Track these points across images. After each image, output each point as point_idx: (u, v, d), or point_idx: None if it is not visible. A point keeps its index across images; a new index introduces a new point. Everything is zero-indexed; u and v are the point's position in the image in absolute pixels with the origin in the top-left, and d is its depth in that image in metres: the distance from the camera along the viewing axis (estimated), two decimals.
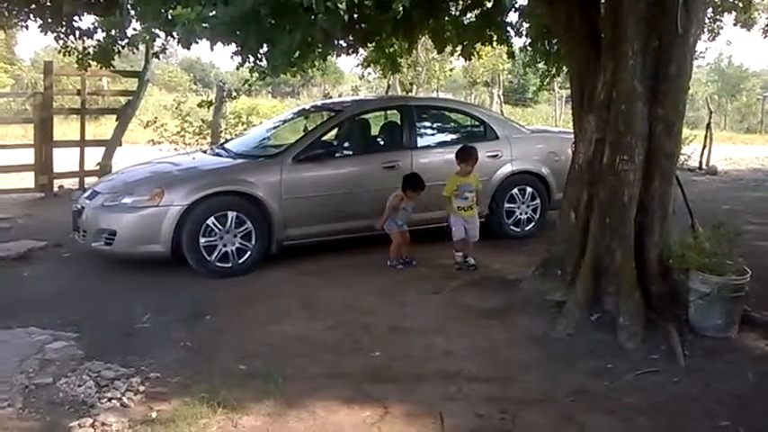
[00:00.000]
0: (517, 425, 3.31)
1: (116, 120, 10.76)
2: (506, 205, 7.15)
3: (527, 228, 7.26)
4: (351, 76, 38.68)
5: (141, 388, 3.68)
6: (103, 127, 14.78)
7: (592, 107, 4.94)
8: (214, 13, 4.50)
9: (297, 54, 5.08)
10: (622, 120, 4.58)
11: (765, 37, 12.54)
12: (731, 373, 3.90)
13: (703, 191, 10.70)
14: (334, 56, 8.39)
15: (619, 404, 3.53)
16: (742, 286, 4.35)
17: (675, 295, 4.58)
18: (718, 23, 11.83)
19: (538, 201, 7.30)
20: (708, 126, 14.09)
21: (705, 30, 11.32)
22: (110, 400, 3.52)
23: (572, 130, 5.56)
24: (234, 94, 10.81)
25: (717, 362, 4.04)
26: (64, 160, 10.11)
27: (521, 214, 7.24)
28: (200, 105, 8.21)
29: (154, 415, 3.39)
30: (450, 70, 23.30)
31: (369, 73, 18.23)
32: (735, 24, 11.86)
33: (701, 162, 13.72)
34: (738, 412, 3.44)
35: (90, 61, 7.98)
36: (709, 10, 10.31)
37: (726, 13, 11.31)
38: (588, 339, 4.31)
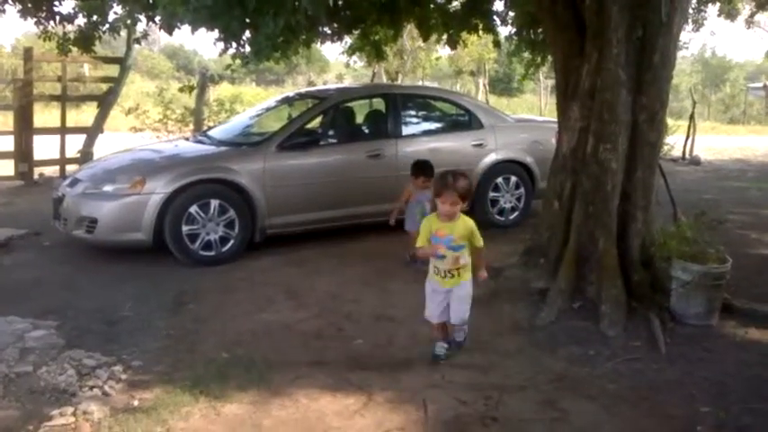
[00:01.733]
0: (500, 411, 3.32)
1: (97, 107, 10.66)
2: (491, 194, 7.15)
3: (511, 217, 7.27)
4: (336, 64, 38.56)
5: (123, 376, 3.65)
6: (84, 114, 14.64)
7: (576, 96, 4.95)
8: None
9: (280, 39, 5.04)
10: (606, 108, 4.59)
11: (749, 28, 12.64)
12: (711, 360, 3.94)
13: (686, 180, 10.78)
14: (319, 43, 8.36)
15: (601, 390, 3.55)
16: (723, 274, 4.39)
17: (657, 283, 4.61)
18: (702, 14, 11.91)
19: (522, 190, 7.32)
20: (691, 116, 14.21)
21: (689, 20, 11.40)
22: (91, 388, 3.49)
23: (556, 120, 5.57)
24: (216, 78, 10.71)
25: (697, 349, 4.07)
26: (44, 148, 10.00)
27: (505, 203, 7.25)
28: (181, 90, 8.15)
29: (136, 403, 3.36)
30: (436, 59, 23.28)
31: (354, 61, 18.19)
32: (719, 15, 11.96)
33: (684, 152, 13.82)
34: (718, 398, 3.47)
35: (71, 47, 7.86)
36: (694, 0, 10.38)
37: (710, 4, 11.38)
38: (571, 327, 4.33)
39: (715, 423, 3.24)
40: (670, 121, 11.04)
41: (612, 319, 4.29)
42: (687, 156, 13.78)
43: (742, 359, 3.95)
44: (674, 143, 13.33)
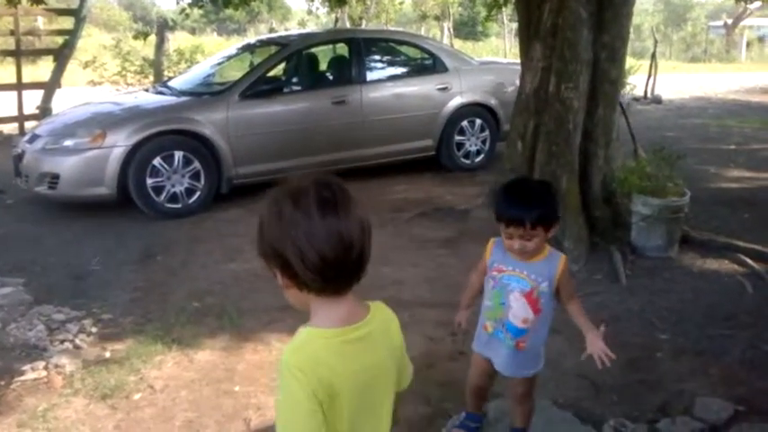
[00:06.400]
0: (467, 346, 3.39)
1: (54, 61, 10.34)
2: (456, 138, 7.16)
3: (477, 159, 7.31)
4: (299, 11, 37.78)
5: (94, 329, 3.66)
6: (41, 69, 14.19)
7: (538, 35, 4.95)
8: None
9: None
10: (568, 47, 4.61)
11: None
12: (671, 289, 4.08)
13: (648, 119, 10.90)
14: None
15: (563, 323, 3.64)
16: (682, 207, 4.51)
17: (618, 218, 4.73)
18: None
19: (487, 132, 7.34)
20: (653, 56, 14.27)
21: None
22: (62, 342, 3.50)
23: (520, 61, 5.56)
24: (172, 23, 10.44)
25: (657, 280, 4.21)
26: (2, 105, 9.72)
27: (470, 146, 7.27)
28: (135, 38, 7.89)
29: (108, 355, 3.39)
30: (400, 4, 22.93)
31: (317, 8, 17.83)
32: None
33: (645, 91, 13.92)
34: (677, 326, 3.61)
35: None
36: None
37: None
38: None
39: (674, 349, 3.38)
40: (632, 61, 11.09)
41: (575, 255, 4.40)
42: (649, 95, 13.90)
43: (700, 288, 4.10)
44: (636, 83, 13.43)
